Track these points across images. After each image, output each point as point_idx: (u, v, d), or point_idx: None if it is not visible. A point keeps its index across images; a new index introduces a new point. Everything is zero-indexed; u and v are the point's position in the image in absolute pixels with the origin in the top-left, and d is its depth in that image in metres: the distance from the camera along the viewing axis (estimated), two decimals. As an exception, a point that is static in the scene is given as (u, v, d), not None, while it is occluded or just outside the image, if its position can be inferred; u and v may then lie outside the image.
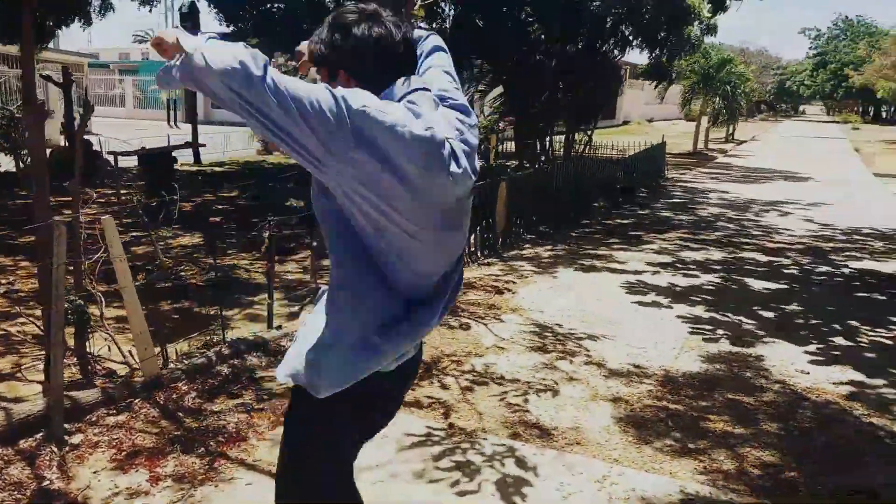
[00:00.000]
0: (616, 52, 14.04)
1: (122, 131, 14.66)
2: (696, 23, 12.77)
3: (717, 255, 7.78)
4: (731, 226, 9.75)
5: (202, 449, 3.19)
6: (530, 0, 12.42)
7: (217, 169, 14.97)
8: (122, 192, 9.80)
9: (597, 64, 13.86)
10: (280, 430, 3.32)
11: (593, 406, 3.81)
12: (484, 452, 3.24)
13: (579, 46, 13.47)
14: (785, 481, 3.09)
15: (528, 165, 13.13)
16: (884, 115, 55.67)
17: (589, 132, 15.01)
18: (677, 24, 12.11)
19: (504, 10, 12.24)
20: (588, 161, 12.44)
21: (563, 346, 4.69)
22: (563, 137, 14.95)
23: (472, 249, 7.00)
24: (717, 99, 23.63)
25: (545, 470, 3.11)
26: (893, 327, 5.35)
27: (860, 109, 58.37)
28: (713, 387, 4.11)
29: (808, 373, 4.34)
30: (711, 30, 14.04)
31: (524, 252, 7.57)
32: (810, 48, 61.86)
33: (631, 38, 13.07)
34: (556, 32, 12.41)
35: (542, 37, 13.42)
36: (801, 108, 78.12)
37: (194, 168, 14.65)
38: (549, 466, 3.14)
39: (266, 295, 4.95)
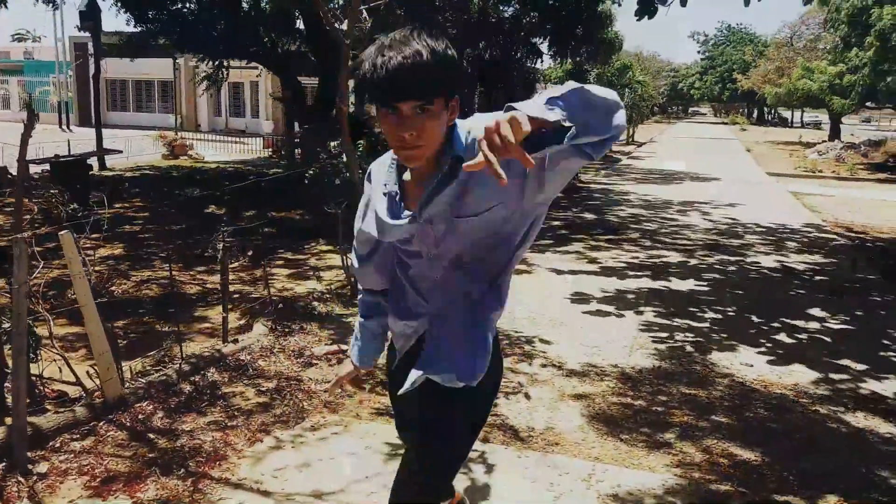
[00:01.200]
0: (530, 58, 14.38)
1: (11, 135, 13.76)
2: (609, 29, 13.27)
3: (645, 254, 8.14)
4: (653, 226, 10.21)
5: (182, 470, 3.07)
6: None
7: (130, 174, 14.30)
8: (38, 201, 9.20)
9: (513, 70, 14.18)
10: (258, 446, 3.26)
11: (563, 406, 3.92)
12: (469, 458, 3.27)
13: (496, 53, 13.72)
14: (753, 469, 3.29)
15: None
16: (766, 117, 59.60)
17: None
18: (592, 31, 12.55)
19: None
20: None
21: (521, 349, 4.79)
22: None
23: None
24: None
25: (533, 472, 3.19)
26: (818, 318, 5.77)
27: (746, 111, 62.25)
28: (668, 382, 4.31)
29: (752, 365, 4.62)
30: (620, 38, 14.66)
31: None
32: (699, 52, 65.50)
33: (546, 45, 13.44)
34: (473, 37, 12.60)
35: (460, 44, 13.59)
36: (691, 109, 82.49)
37: (109, 174, 13.94)
38: (536, 468, 3.22)
39: (212, 306, 4.82)
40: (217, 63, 14.03)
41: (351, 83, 7.44)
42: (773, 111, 60.03)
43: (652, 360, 4.68)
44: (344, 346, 4.64)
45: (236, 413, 3.65)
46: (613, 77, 23.44)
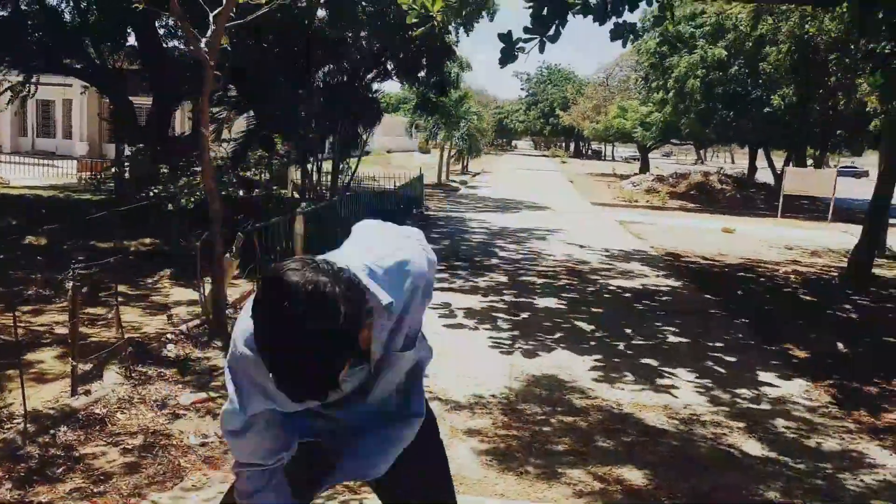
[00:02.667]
0: (376, 84, 14.42)
1: None
2: (455, 62, 13.63)
3: (504, 279, 8.35)
4: (505, 252, 10.52)
5: (45, 554, 2.62)
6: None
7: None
8: None
9: (359, 96, 14.11)
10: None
11: (457, 443, 3.85)
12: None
13: (344, 79, 13.61)
14: (647, 492, 3.40)
15: (308, 197, 12.87)
16: (583, 151, 64.30)
17: (349, 162, 15.21)
18: (440, 61, 12.82)
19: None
20: (366, 192, 12.62)
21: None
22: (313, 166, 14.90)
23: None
24: (458, 133, 25.43)
25: (443, 516, 3.06)
26: (671, 333, 6.18)
27: (564, 145, 66.74)
28: (547, 411, 4.38)
29: (622, 388, 4.83)
30: (466, 67, 15.13)
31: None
32: (522, 89, 69.42)
33: (393, 72, 13.54)
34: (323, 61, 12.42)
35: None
36: (514, 143, 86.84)
37: None
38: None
39: (39, 349, 4.24)
40: (26, 76, 12.62)
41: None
42: (587, 145, 64.89)
43: (531, 388, 4.75)
44: (213, 394, 4.26)
45: (101, 478, 3.20)
46: (452, 107, 24.07)
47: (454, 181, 27.35)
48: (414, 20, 5.51)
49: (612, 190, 26.14)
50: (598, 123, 34.41)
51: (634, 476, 3.55)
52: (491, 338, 5.92)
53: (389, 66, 13.37)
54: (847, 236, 15.00)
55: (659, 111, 25.34)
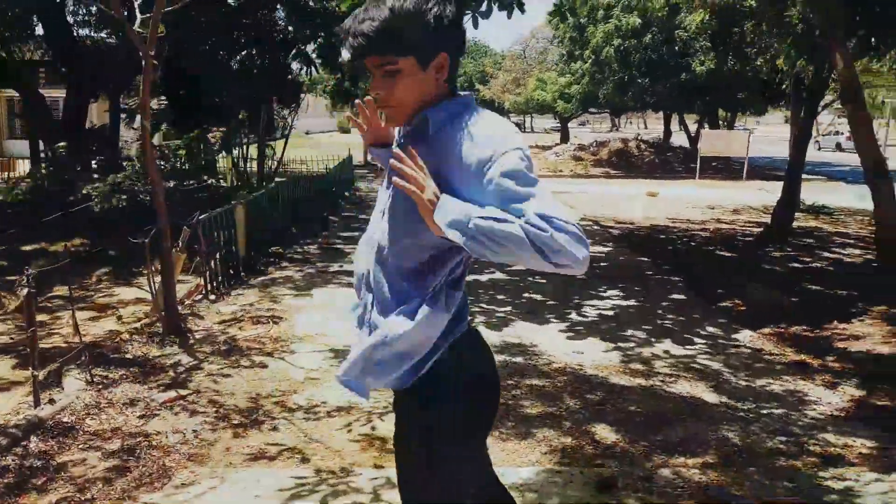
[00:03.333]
0: (301, 69, 14.15)
1: None
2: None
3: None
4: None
5: (45, 566, 2.58)
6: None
7: None
8: None
9: (282, 80, 13.84)
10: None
11: (434, 418, 3.94)
12: (373, 489, 3.17)
13: (266, 62, 13.30)
14: (614, 447, 3.60)
15: (237, 184, 12.58)
16: (505, 122, 64.63)
17: (273, 147, 14.91)
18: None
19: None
20: (300, 177, 12.45)
21: (372, 366, 4.73)
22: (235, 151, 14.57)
23: (214, 283, 6.54)
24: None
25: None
26: (617, 298, 6.44)
27: (485, 119, 66.87)
28: (513, 375, 4.54)
29: (583, 352, 5.04)
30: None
31: (275, 276, 7.33)
32: (440, 64, 69.06)
33: (316, 58, 13.31)
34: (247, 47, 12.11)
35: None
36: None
37: None
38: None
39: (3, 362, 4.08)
40: None
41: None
42: (508, 117, 65.47)
43: (496, 356, 4.87)
44: (183, 392, 4.22)
45: (86, 485, 3.15)
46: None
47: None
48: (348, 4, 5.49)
49: (536, 161, 26.53)
50: (519, 96, 34.78)
51: (607, 433, 3.75)
52: (447, 313, 6.02)
53: (310, 50, 13.12)
54: (763, 193, 15.83)
55: (578, 82, 25.81)
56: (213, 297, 6.36)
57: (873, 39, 7.03)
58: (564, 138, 33.76)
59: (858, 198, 15.93)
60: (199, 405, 4.03)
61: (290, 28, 13.00)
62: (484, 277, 7.42)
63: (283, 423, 3.84)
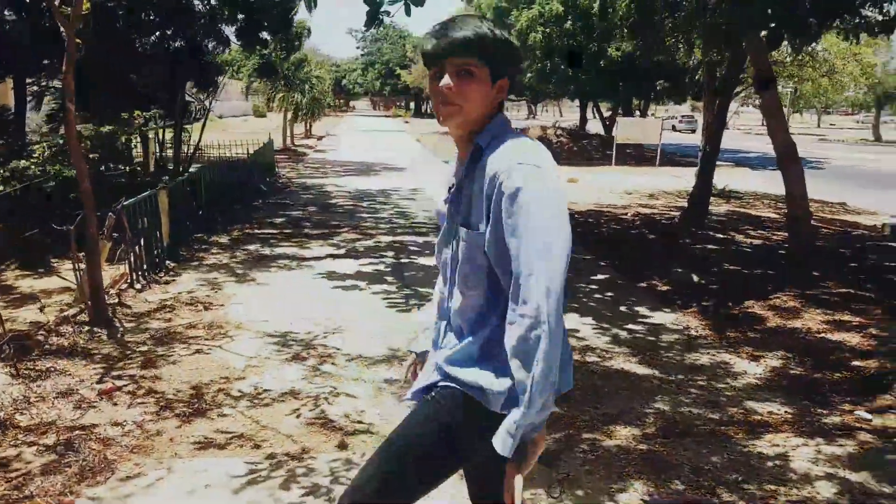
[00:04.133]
0: (218, 50, 13.73)
1: None
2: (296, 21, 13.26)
3: (378, 240, 8.44)
4: (373, 215, 10.56)
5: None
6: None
7: None
8: None
9: (199, 62, 13.37)
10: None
11: (389, 399, 3.97)
12: (331, 471, 3.17)
13: (182, 44, 12.82)
14: (565, 421, 3.72)
15: (152, 171, 12.08)
16: (426, 110, 64.73)
17: (189, 131, 14.42)
18: (287, 23, 12.41)
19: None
20: (220, 162, 12.09)
21: (315, 350, 4.70)
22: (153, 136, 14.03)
23: (140, 271, 6.31)
24: (298, 96, 24.74)
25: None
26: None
27: (406, 105, 66.78)
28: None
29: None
30: (305, 30, 14.77)
31: (203, 263, 7.13)
32: (358, 48, 68.40)
33: (233, 38, 12.95)
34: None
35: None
36: (351, 104, 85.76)
37: None
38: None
39: None
40: None
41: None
42: (427, 103, 65.39)
43: (437, 342, 4.93)
44: (119, 382, 4.08)
45: (22, 481, 3.01)
46: (289, 71, 23.32)
47: (299, 145, 26.73)
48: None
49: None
50: (440, 82, 34.75)
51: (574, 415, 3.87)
52: (385, 299, 6.04)
53: (229, 31, 12.75)
54: (676, 179, 16.50)
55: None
56: (138, 285, 6.13)
57: (784, 33, 7.42)
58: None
59: (764, 181, 16.87)
60: (138, 395, 3.90)
61: (208, 7, 12.59)
62: (422, 262, 7.46)
63: (228, 410, 3.78)
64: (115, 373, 4.22)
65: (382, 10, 5.57)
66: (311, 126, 31.88)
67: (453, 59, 1.61)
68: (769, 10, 7.07)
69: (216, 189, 9.89)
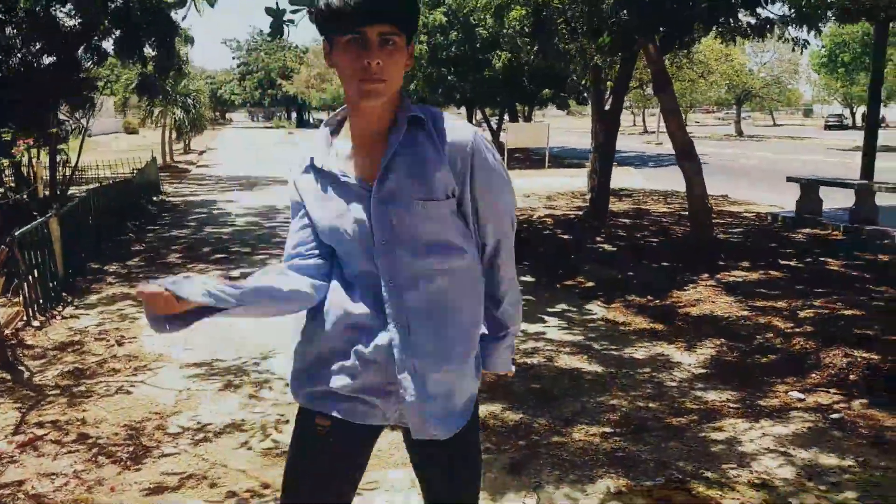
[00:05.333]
0: (94, 66, 12.86)
1: None
2: (181, 37, 12.66)
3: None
4: (273, 230, 10.20)
5: None
6: None
7: None
8: None
9: (72, 80, 12.49)
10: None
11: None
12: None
13: (53, 59, 11.92)
14: (518, 423, 3.71)
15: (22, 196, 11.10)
16: (311, 120, 63.62)
17: (65, 150, 13.45)
18: (165, 39, 11.78)
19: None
20: (104, 185, 11.31)
21: (249, 377, 4.46)
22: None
23: (35, 306, 5.76)
24: (179, 111, 23.67)
25: (376, 498, 3.04)
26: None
27: (287, 116, 65.30)
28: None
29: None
30: (188, 40, 14.13)
31: (105, 294, 6.60)
32: (234, 59, 66.24)
33: (112, 52, 12.18)
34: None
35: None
36: (228, 115, 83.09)
37: None
38: (373, 493, 3.08)
39: None
40: None
41: None
42: (308, 114, 64.36)
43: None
44: (39, 431, 3.68)
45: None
46: (169, 85, 22.23)
47: (179, 162, 25.58)
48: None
49: (349, 158, 26.33)
50: (325, 92, 34.31)
51: (500, 410, 3.85)
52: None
53: (107, 45, 11.98)
54: (570, 179, 17.08)
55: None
56: (37, 322, 5.60)
57: (674, 36, 7.83)
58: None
59: (646, 179, 17.77)
60: (65, 443, 3.54)
61: (80, 22, 11.77)
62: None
63: (170, 449, 3.50)
64: (32, 420, 3.82)
65: (286, 18, 5.40)
66: (189, 141, 30.59)
67: (378, 28, 1.41)
68: (661, 14, 7.44)
69: (107, 213, 9.25)
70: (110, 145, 29.64)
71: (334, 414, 1.57)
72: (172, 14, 11.87)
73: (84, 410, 3.95)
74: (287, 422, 3.80)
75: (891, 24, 11.34)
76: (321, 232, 1.58)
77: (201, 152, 30.68)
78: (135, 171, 13.80)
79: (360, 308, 1.53)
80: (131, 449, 3.48)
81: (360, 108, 1.51)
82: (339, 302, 1.55)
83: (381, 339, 1.52)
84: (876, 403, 3.92)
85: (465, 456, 1.68)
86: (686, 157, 7.42)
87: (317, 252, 1.60)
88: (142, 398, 4.15)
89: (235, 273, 7.44)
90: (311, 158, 1.57)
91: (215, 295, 1.39)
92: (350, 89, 1.47)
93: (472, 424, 1.67)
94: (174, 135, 24.85)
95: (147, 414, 3.91)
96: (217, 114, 74.78)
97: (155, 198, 14.20)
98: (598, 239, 8.87)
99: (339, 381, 1.56)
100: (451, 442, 1.60)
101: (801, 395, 4.07)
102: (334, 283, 1.58)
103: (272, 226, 10.91)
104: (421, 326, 1.52)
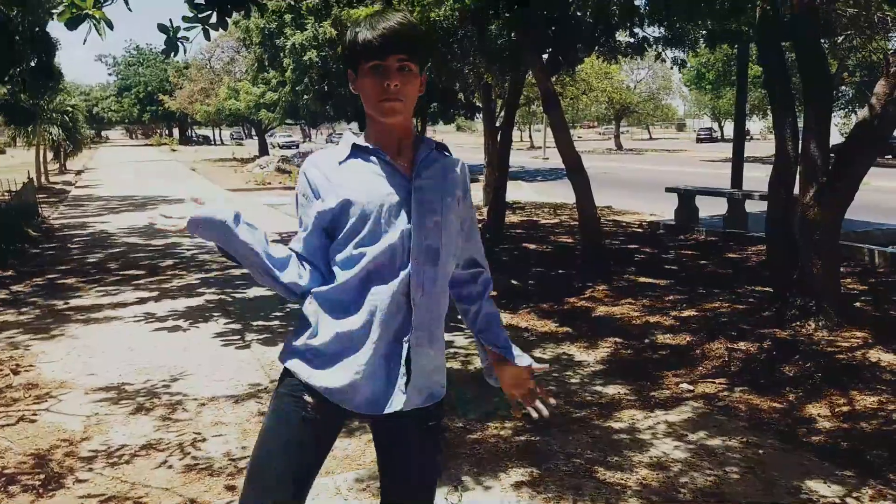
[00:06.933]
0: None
1: None
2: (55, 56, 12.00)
3: (189, 279, 7.98)
4: (172, 251, 9.90)
5: None
6: None
7: None
8: None
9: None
10: None
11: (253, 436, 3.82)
12: None
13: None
14: (472, 429, 3.88)
15: None
16: (192, 136, 61.45)
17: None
18: (43, 58, 11.17)
19: None
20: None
21: (160, 399, 4.39)
22: None
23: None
24: (56, 129, 22.39)
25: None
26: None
27: (169, 132, 62.82)
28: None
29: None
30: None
31: (-11, 322, 6.25)
32: (110, 74, 63.18)
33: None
34: None
35: None
36: (104, 133, 78.96)
37: None
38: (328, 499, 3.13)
39: None
40: None
41: None
42: (192, 130, 62.23)
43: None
44: (-66, 464, 3.49)
45: None
46: (44, 103, 21.00)
47: (56, 183, 24.17)
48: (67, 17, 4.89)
49: (240, 175, 25.85)
50: (209, 106, 33.38)
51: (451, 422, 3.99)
52: (217, 335, 5.77)
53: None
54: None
55: (274, 91, 25.60)
56: (-85, 354, 5.24)
57: (560, 56, 8.33)
58: (263, 150, 33.30)
59: (536, 192, 18.49)
60: (-32, 477, 3.38)
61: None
62: (250, 294, 7.19)
63: (85, 474, 3.42)
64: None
65: (180, 35, 5.36)
66: (65, 161, 28.97)
67: (396, 57, 1.65)
68: (547, 36, 7.90)
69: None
70: (-26, 165, 27.57)
71: (326, 396, 1.68)
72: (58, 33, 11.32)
73: (-16, 442, 3.77)
74: (205, 440, 3.80)
75: (750, 45, 12.48)
76: (362, 207, 1.67)
77: (79, 172, 29.12)
78: (6, 194, 12.96)
79: (387, 302, 1.68)
80: (42, 477, 3.37)
81: (383, 125, 1.72)
82: (370, 299, 1.68)
83: (400, 317, 1.70)
84: (754, 390, 4.37)
85: (434, 437, 1.87)
86: (575, 171, 7.88)
87: (315, 260, 1.79)
88: (46, 426, 4.01)
89: (139, 294, 7.21)
90: (353, 145, 1.74)
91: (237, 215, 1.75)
92: (373, 109, 1.70)
93: (441, 410, 1.88)
94: (50, 154, 23.48)
95: (55, 441, 3.78)
96: (93, 132, 70.98)
97: (34, 221, 13.41)
98: (496, 250, 9.21)
99: (348, 369, 1.68)
100: (422, 422, 1.80)
101: (690, 386, 4.47)
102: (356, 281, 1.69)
103: (169, 244, 10.58)
104: (425, 302, 1.72)
